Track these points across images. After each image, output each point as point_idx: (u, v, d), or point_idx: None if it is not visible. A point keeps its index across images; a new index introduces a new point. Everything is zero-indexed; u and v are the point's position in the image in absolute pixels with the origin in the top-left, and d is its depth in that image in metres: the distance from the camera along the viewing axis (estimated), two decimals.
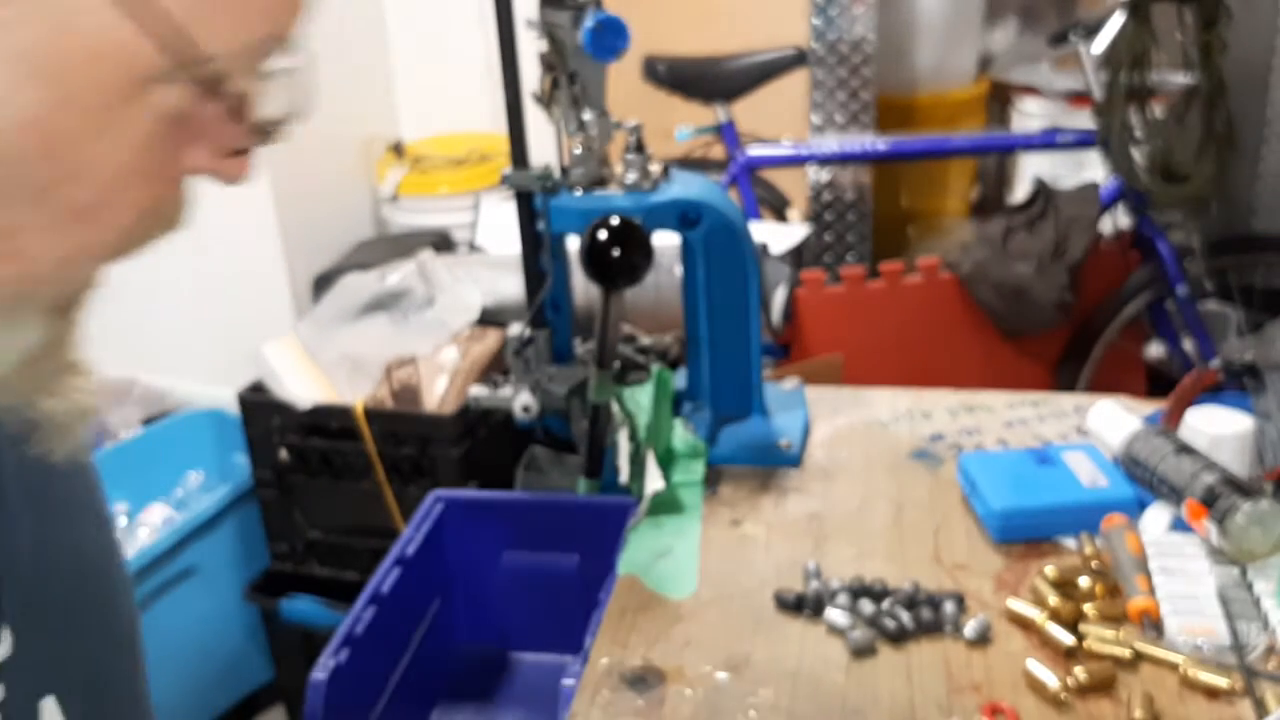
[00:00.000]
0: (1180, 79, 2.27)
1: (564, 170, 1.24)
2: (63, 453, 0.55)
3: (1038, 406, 1.38)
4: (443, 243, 2.54)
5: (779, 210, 2.77)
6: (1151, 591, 0.99)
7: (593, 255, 1.07)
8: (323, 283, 2.37)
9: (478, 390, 1.32)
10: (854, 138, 2.70)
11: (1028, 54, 3.19)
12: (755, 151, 2.48)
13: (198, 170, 0.53)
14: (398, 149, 2.77)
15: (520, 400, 1.28)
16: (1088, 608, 0.98)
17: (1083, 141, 2.37)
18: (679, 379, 1.33)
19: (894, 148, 2.47)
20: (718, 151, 2.57)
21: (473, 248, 2.48)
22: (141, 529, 2.14)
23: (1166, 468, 1.08)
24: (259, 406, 1.95)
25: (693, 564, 1.11)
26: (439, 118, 2.89)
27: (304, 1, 0.52)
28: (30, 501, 0.63)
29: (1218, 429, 1.14)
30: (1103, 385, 2.37)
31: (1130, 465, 1.14)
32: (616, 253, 1.07)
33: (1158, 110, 2.26)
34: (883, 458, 1.28)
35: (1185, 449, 1.09)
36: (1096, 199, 2.32)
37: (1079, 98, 2.81)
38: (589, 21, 1.14)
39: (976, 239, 2.37)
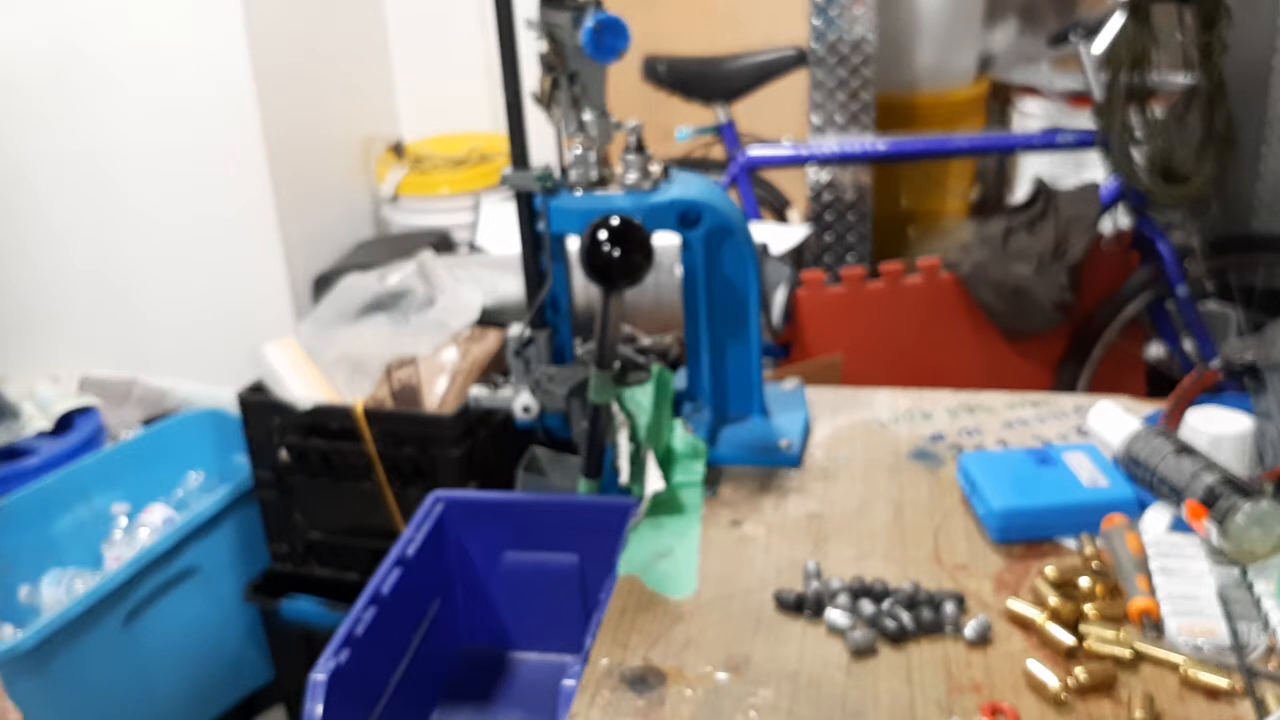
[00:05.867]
0: (1180, 79, 2.27)
1: (564, 170, 1.24)
2: None
3: (1038, 406, 1.38)
4: (443, 243, 2.54)
5: (779, 210, 2.77)
6: (1152, 592, 0.99)
7: (593, 255, 1.07)
8: (323, 283, 2.37)
9: (478, 390, 1.32)
10: (854, 138, 2.70)
11: (1028, 54, 3.19)
12: (755, 152, 2.47)
13: None
14: (398, 149, 2.77)
15: (520, 400, 1.28)
16: (1088, 608, 0.98)
17: (1083, 141, 2.37)
18: (679, 379, 1.33)
19: (894, 148, 2.47)
20: (718, 151, 2.57)
21: (473, 248, 2.48)
22: (141, 529, 2.14)
23: (1166, 468, 1.08)
24: (259, 406, 1.95)
25: (693, 564, 1.11)
26: (439, 118, 2.89)
27: None
28: None
29: (1218, 429, 1.14)
30: (1103, 385, 2.37)
31: (1130, 465, 1.14)
32: (616, 253, 1.07)
33: (1158, 110, 2.26)
34: (883, 458, 1.28)
35: (1185, 449, 1.09)
36: (1096, 199, 2.32)
37: (1079, 98, 2.81)
38: (589, 22, 1.14)
39: (976, 239, 2.37)
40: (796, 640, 0.99)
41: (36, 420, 2.32)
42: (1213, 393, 1.24)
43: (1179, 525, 1.07)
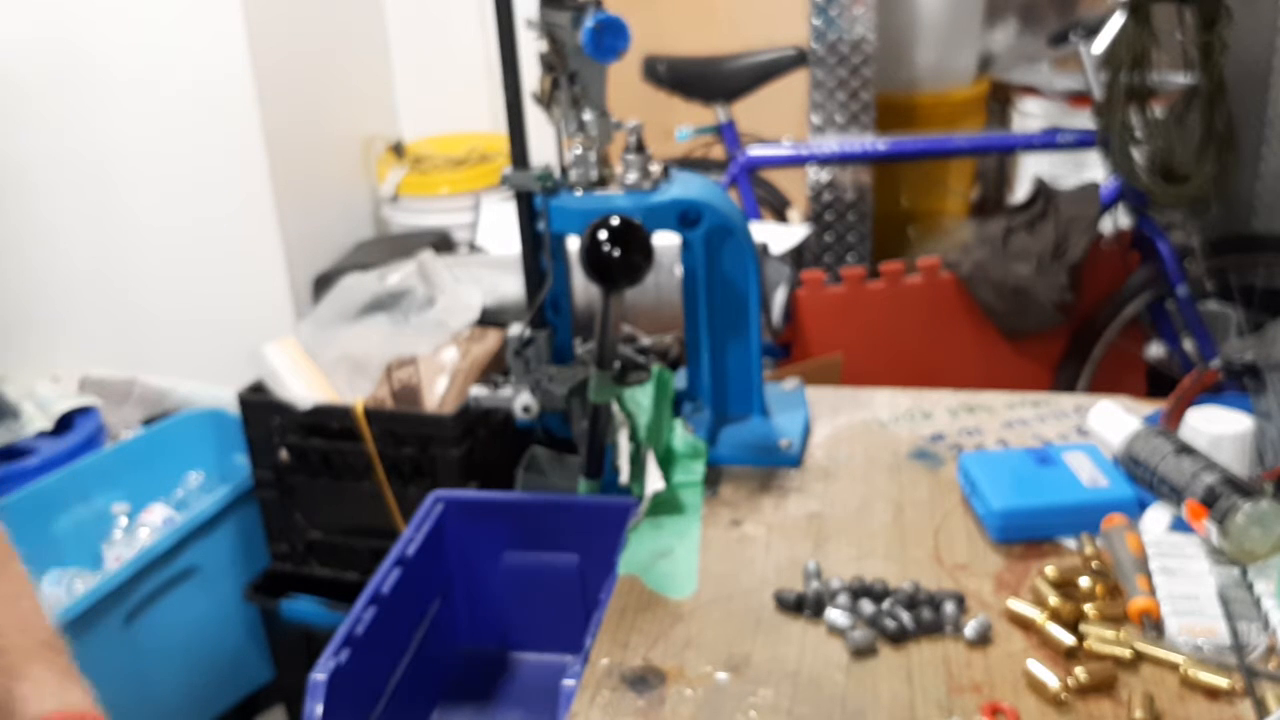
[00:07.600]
0: (1180, 79, 2.27)
1: (564, 170, 1.24)
2: None
3: (1038, 406, 1.38)
4: (443, 243, 2.54)
5: (779, 210, 2.77)
6: (1152, 591, 0.99)
7: (593, 255, 1.07)
8: (323, 283, 2.37)
9: (478, 390, 1.32)
10: (854, 138, 2.70)
11: (1028, 54, 3.19)
12: (755, 151, 2.47)
13: None
14: (398, 149, 2.77)
15: (520, 400, 1.28)
16: (1088, 608, 0.98)
17: (1083, 141, 2.37)
18: (679, 379, 1.33)
19: (894, 148, 2.47)
20: (718, 151, 2.57)
21: (473, 248, 2.48)
22: (141, 529, 2.13)
23: (1166, 468, 1.08)
24: (259, 406, 1.95)
25: (693, 564, 1.11)
26: (439, 118, 2.89)
27: None
28: None
29: (1218, 429, 1.14)
30: (1103, 385, 2.37)
31: (1130, 465, 1.14)
32: (616, 253, 1.07)
33: (1158, 110, 2.26)
34: (883, 458, 1.28)
35: (1185, 449, 1.09)
36: (1096, 199, 2.32)
37: (1079, 98, 2.81)
38: (589, 22, 1.14)
39: (976, 239, 2.37)
40: (796, 640, 0.99)
41: (36, 420, 2.32)
42: (1213, 393, 1.24)
43: (1179, 525, 1.07)
